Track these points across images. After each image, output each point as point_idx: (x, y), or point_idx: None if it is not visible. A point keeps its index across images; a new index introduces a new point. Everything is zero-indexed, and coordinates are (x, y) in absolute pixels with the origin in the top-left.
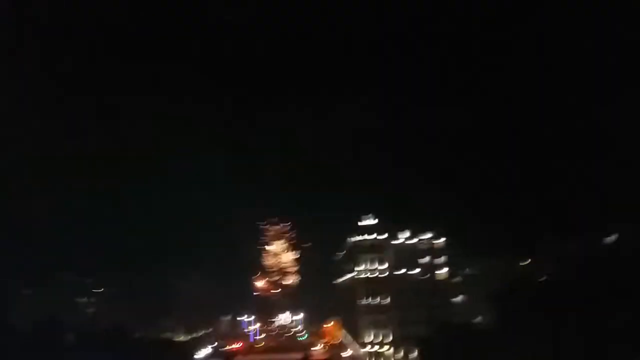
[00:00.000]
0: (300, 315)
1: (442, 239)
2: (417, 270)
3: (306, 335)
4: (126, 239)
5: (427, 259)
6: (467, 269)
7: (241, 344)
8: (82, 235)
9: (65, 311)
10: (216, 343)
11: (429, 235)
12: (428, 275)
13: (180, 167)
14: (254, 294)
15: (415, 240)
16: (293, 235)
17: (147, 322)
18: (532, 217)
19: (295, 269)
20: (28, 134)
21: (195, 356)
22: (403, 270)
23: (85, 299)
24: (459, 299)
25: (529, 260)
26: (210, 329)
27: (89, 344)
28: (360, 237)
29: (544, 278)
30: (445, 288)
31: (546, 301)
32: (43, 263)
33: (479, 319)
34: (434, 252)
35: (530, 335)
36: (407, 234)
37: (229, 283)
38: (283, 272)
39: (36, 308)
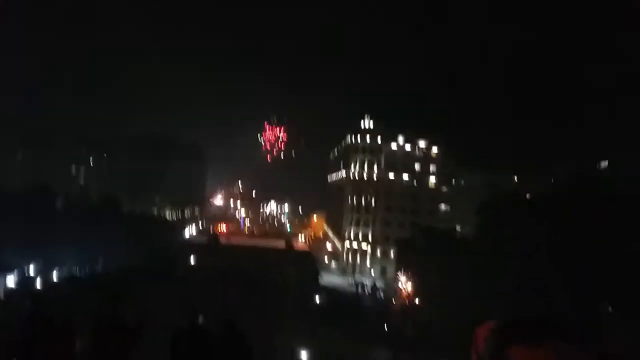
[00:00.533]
0: (288, 207)
1: (436, 148)
2: (407, 175)
3: (291, 226)
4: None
5: (418, 165)
6: (458, 180)
7: (227, 226)
8: (81, 102)
9: (58, 178)
10: (204, 224)
11: (423, 142)
12: (417, 181)
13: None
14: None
15: (409, 146)
16: (291, 131)
17: (137, 197)
18: (529, 135)
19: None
20: None
21: (184, 233)
22: (393, 174)
23: (77, 168)
24: (444, 207)
25: (521, 176)
26: (200, 210)
27: (79, 214)
28: (355, 138)
29: (531, 194)
30: (433, 196)
31: (532, 216)
32: (41, 125)
33: (461, 227)
34: (426, 159)
35: (511, 246)
36: (401, 139)
37: (223, 169)
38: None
39: (30, 172)
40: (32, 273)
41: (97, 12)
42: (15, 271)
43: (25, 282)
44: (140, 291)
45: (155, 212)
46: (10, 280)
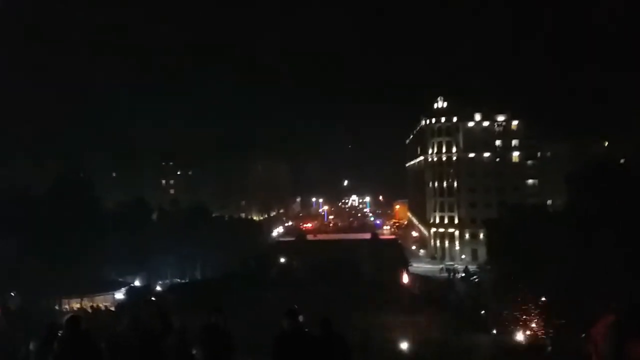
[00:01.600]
0: (368, 198)
1: (516, 121)
2: (489, 153)
3: (375, 217)
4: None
5: (499, 141)
6: (542, 152)
7: (313, 223)
8: (161, 117)
9: (149, 192)
10: (289, 222)
11: (502, 117)
12: (500, 158)
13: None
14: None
15: (487, 122)
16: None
17: (224, 203)
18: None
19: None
20: None
21: (272, 234)
22: (474, 154)
23: (166, 181)
24: (532, 182)
25: (608, 142)
26: (283, 210)
27: (171, 222)
28: (430, 120)
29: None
30: (518, 171)
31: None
32: (129, 145)
33: (552, 201)
34: (507, 134)
35: (603, 222)
36: (479, 116)
37: (301, 167)
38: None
39: (121, 189)
40: (138, 284)
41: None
42: (123, 285)
43: (133, 294)
44: (238, 296)
45: (243, 216)
46: (120, 294)
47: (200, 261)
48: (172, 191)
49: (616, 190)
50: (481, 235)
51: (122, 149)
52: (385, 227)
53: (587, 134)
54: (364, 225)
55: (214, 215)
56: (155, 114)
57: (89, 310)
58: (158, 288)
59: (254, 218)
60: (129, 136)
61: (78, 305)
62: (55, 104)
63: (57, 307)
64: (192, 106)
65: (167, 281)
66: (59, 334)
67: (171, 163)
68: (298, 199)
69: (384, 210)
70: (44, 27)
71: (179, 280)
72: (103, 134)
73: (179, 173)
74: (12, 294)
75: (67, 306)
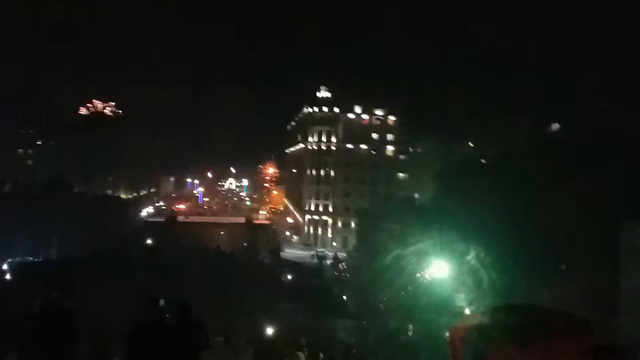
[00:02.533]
0: (246, 181)
1: (393, 117)
2: (366, 145)
3: (250, 201)
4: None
5: (376, 135)
6: (414, 148)
7: (186, 205)
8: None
9: (2, 160)
10: (161, 203)
11: (380, 111)
12: (376, 151)
13: None
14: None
15: (366, 115)
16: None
17: (88, 178)
18: (484, 99)
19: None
20: None
21: (140, 213)
22: (352, 145)
23: (24, 150)
24: (402, 175)
25: (479, 141)
26: (154, 189)
27: (26, 196)
28: (313, 109)
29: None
30: (392, 164)
31: (487, 180)
32: None
33: (418, 195)
34: (384, 128)
35: (466, 212)
36: (359, 109)
37: (177, 145)
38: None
39: None
40: None
41: None
42: None
43: None
44: (96, 278)
45: (110, 193)
46: None
47: (56, 239)
48: (29, 162)
49: (474, 187)
50: (352, 224)
51: None
52: (261, 212)
53: (455, 135)
54: (239, 209)
55: (75, 190)
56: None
57: None
58: (4, 267)
59: (121, 196)
60: None
61: None
62: None
63: None
64: (63, 65)
65: (17, 259)
66: None
67: (31, 131)
68: (172, 179)
69: (261, 195)
70: None
71: (30, 258)
72: None
73: (39, 143)
74: None
75: None
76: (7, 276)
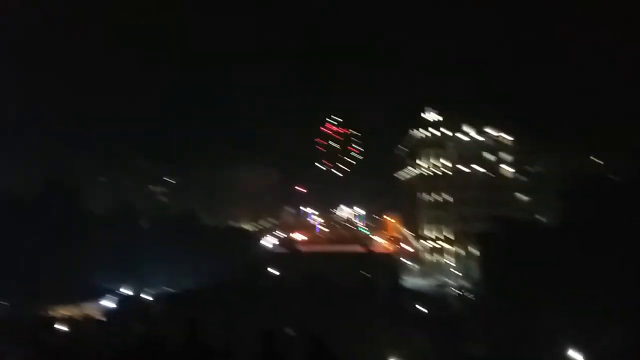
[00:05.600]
0: (362, 209)
1: (510, 136)
2: (481, 166)
3: (366, 229)
4: (197, 130)
5: (491, 155)
6: (535, 166)
7: (304, 234)
8: (156, 124)
9: (140, 198)
10: (280, 233)
11: (495, 131)
12: (492, 172)
13: (248, 68)
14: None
15: (480, 135)
16: (354, 133)
17: (215, 211)
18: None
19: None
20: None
21: (262, 243)
22: (465, 167)
23: (158, 187)
24: (524, 196)
25: (603, 157)
26: (275, 220)
27: (162, 229)
28: (421, 131)
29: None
30: (511, 185)
31: (618, 202)
32: (119, 150)
33: (544, 217)
34: (501, 148)
35: (600, 237)
36: (471, 129)
37: (293, 176)
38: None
39: (113, 194)
40: (127, 293)
41: None
42: (112, 292)
43: (122, 302)
44: (227, 307)
45: (234, 224)
46: (109, 302)
47: (189, 270)
48: (162, 197)
49: (613, 206)
50: (474, 250)
51: (112, 153)
52: (378, 240)
53: (580, 150)
54: (356, 238)
55: (204, 222)
56: (146, 118)
57: (79, 319)
58: (147, 297)
59: (245, 227)
60: (119, 140)
61: (66, 313)
62: (41, 105)
63: (44, 314)
64: (184, 111)
65: (156, 290)
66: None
67: (163, 169)
68: (290, 209)
69: (377, 222)
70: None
71: (167, 289)
72: (92, 137)
73: (170, 179)
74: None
75: (55, 313)
76: (151, 306)
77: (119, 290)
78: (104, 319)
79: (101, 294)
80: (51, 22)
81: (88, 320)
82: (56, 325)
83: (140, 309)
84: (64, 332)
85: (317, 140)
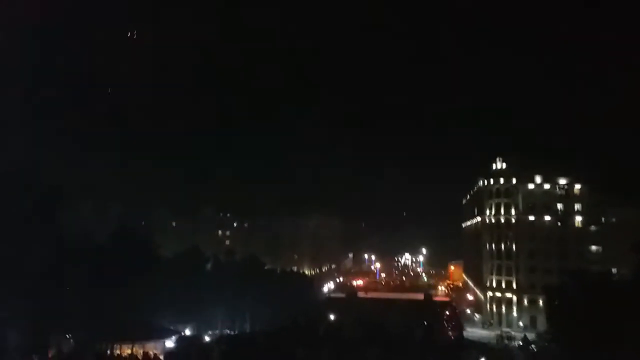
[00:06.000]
0: (423, 256)
1: (579, 185)
2: (550, 216)
3: (427, 277)
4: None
5: (561, 205)
6: (607, 217)
7: (364, 280)
8: (221, 176)
9: (205, 242)
10: (340, 278)
11: (564, 180)
12: (561, 222)
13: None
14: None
15: (548, 185)
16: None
17: (277, 256)
18: None
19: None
20: None
21: (322, 289)
22: (534, 217)
23: (222, 232)
24: (595, 248)
25: None
26: (334, 265)
27: (225, 273)
28: (488, 181)
29: None
30: (581, 236)
31: None
32: (188, 199)
33: (617, 270)
34: (570, 197)
35: None
36: (539, 178)
37: (353, 223)
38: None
39: (180, 238)
40: (188, 333)
41: None
42: (174, 333)
43: (183, 343)
44: (286, 353)
45: (295, 269)
46: (170, 342)
47: (250, 313)
48: (227, 242)
49: None
50: (540, 302)
51: (181, 199)
52: (439, 288)
53: None
54: (417, 285)
55: (266, 267)
56: (214, 168)
57: (139, 357)
58: (207, 338)
59: (305, 272)
60: (188, 187)
61: (129, 351)
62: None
63: (109, 352)
64: (249, 160)
65: (217, 332)
66: None
67: (228, 215)
68: (350, 255)
69: (438, 270)
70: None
71: (228, 331)
72: (164, 185)
73: (234, 225)
74: (68, 336)
75: (118, 351)
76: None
77: (181, 331)
78: (162, 357)
79: (164, 334)
80: None
81: (148, 358)
82: None
83: (199, 349)
84: None
85: None
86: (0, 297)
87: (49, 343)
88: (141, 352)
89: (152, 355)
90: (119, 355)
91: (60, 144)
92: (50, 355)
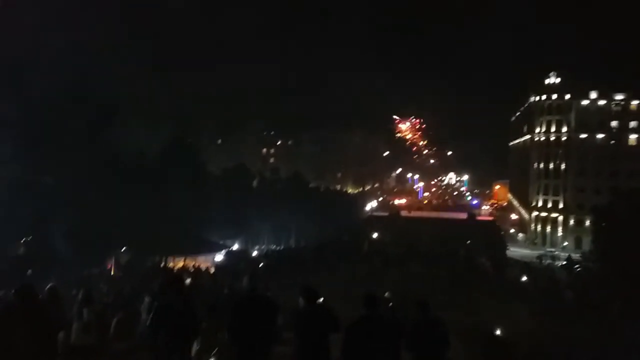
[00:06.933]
0: (466, 176)
1: (637, 101)
2: (603, 134)
3: (472, 196)
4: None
5: (616, 122)
6: None
7: (407, 199)
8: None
9: (251, 159)
10: (383, 197)
11: (620, 95)
12: (615, 140)
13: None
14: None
15: (604, 101)
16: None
17: (321, 174)
18: None
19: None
20: None
21: (365, 207)
22: (586, 134)
23: (267, 150)
24: None
25: None
26: (378, 184)
27: (270, 190)
28: (540, 97)
29: None
30: (635, 155)
31: None
32: (235, 112)
33: None
34: (626, 114)
35: None
36: (594, 94)
37: (398, 141)
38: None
39: (226, 155)
40: (236, 248)
41: None
42: (223, 248)
43: (231, 257)
44: (329, 268)
45: (338, 188)
46: (220, 256)
47: (295, 230)
48: (272, 160)
49: None
50: (587, 223)
51: (228, 117)
52: (483, 208)
53: None
54: (461, 205)
55: (310, 185)
56: (256, 83)
57: (191, 269)
58: (254, 253)
59: (349, 191)
60: (234, 104)
61: (182, 263)
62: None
63: (162, 264)
64: (293, 76)
65: (263, 247)
66: (167, 293)
67: (272, 132)
68: (394, 174)
69: (482, 190)
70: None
71: (273, 247)
72: (210, 102)
73: (279, 143)
74: (123, 250)
75: (171, 263)
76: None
77: (229, 246)
78: (212, 270)
79: (214, 248)
80: None
81: (199, 271)
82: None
83: (248, 263)
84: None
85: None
86: (58, 211)
87: (107, 256)
88: (192, 264)
89: (203, 268)
90: (172, 267)
91: (112, 59)
92: (109, 266)
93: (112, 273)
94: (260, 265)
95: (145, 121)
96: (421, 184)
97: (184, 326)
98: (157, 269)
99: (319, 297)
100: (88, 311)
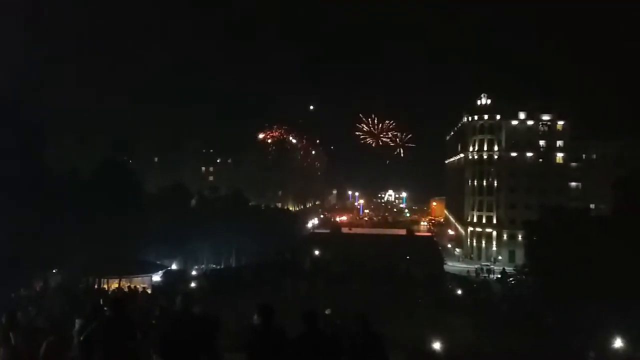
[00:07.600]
0: (405, 193)
1: (562, 121)
2: (532, 153)
3: (410, 213)
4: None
5: (543, 141)
6: (588, 154)
7: (348, 216)
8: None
9: (189, 178)
10: (324, 214)
11: (547, 116)
12: (543, 158)
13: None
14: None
15: (532, 121)
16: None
17: (261, 192)
18: None
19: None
20: None
21: (307, 225)
22: (516, 153)
23: (206, 168)
24: (575, 184)
25: None
26: (319, 202)
27: (209, 209)
28: (472, 117)
29: None
30: (562, 172)
31: None
32: (171, 132)
33: (597, 206)
34: (552, 134)
35: None
36: (523, 115)
37: (336, 159)
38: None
39: (164, 174)
40: (175, 268)
41: None
42: (160, 268)
43: (169, 277)
44: (270, 286)
45: (280, 206)
46: (157, 276)
47: (235, 249)
48: (211, 178)
49: None
50: (520, 237)
51: (165, 135)
52: (421, 224)
53: (636, 136)
54: (399, 221)
55: (250, 203)
56: (196, 101)
57: (126, 290)
58: (193, 272)
59: (290, 208)
60: (171, 122)
61: (116, 285)
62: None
63: (96, 286)
64: (232, 95)
65: (203, 266)
66: (102, 314)
67: (211, 150)
68: (334, 191)
69: (420, 206)
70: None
71: (214, 266)
72: (147, 119)
73: (218, 161)
74: (54, 271)
75: (105, 285)
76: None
77: (167, 265)
78: (149, 291)
79: (151, 269)
80: None
81: (135, 292)
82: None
83: (186, 283)
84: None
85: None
86: None
87: (35, 277)
88: (127, 285)
89: (140, 289)
90: (106, 289)
91: (40, 77)
92: (37, 289)
93: (40, 295)
94: (198, 285)
95: (77, 139)
96: (361, 201)
97: (120, 348)
98: (91, 291)
99: (275, 315)
100: (15, 335)
